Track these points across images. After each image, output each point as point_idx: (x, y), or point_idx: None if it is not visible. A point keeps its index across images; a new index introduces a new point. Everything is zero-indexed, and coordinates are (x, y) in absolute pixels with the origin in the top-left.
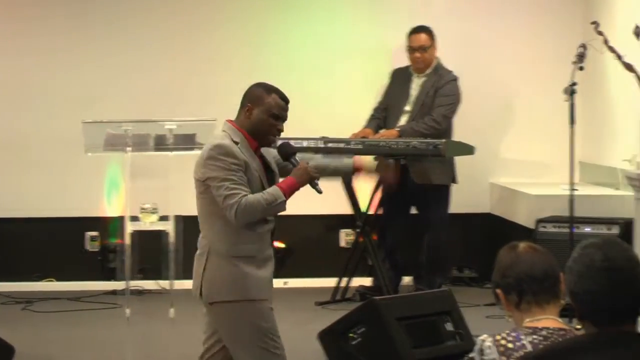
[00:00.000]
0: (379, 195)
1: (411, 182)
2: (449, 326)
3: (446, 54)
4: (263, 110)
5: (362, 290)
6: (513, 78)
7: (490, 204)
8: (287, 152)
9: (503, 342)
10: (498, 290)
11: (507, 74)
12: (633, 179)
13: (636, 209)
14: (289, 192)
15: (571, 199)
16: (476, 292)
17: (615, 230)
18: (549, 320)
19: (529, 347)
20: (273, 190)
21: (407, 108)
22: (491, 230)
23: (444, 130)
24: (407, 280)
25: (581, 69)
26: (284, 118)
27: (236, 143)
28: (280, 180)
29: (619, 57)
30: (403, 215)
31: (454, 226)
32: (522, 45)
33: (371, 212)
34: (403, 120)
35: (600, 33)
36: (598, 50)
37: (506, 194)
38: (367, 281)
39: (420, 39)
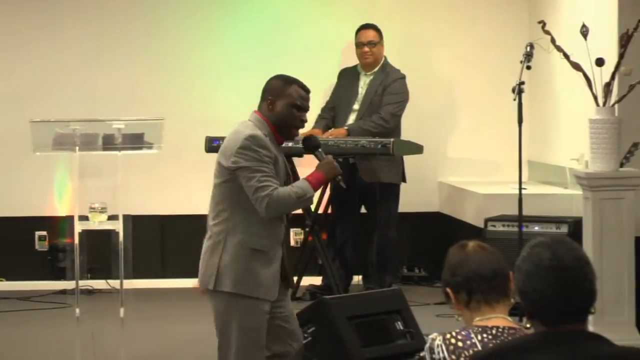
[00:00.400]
0: (328, 194)
1: (360, 181)
2: (399, 325)
3: (393, 54)
4: (286, 102)
5: (312, 290)
6: (461, 77)
7: (439, 202)
8: (313, 145)
9: (453, 340)
10: (448, 289)
11: (455, 73)
12: (581, 177)
13: (584, 207)
14: (317, 185)
15: (520, 198)
16: (426, 291)
17: (564, 229)
18: (498, 319)
19: (479, 346)
20: (302, 184)
21: (356, 107)
22: (440, 229)
23: (393, 128)
24: (357, 279)
25: (529, 68)
26: (306, 108)
27: (265, 135)
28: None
29: (566, 56)
30: (352, 214)
31: (403, 225)
32: (470, 45)
33: (320, 211)
34: (351, 119)
35: (547, 32)
36: (545, 50)
37: (455, 193)
38: (317, 280)
39: (369, 35)
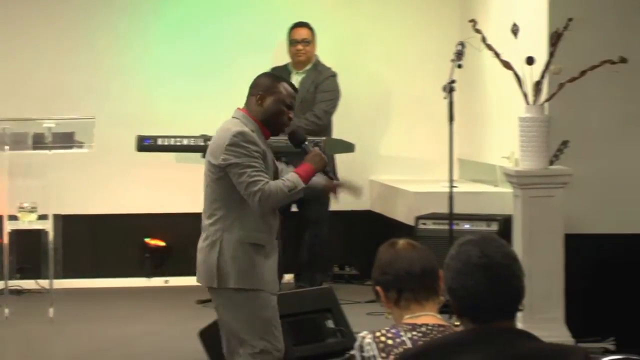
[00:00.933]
0: None
1: None
2: (330, 323)
3: (325, 52)
4: (275, 99)
5: None
6: (393, 75)
7: (370, 201)
8: (299, 139)
9: (383, 338)
10: (378, 288)
11: (386, 71)
12: (511, 176)
13: (514, 205)
14: (306, 178)
15: (450, 196)
16: (357, 289)
17: (494, 226)
18: (428, 317)
19: (409, 344)
20: (292, 177)
21: None
22: (371, 228)
23: (325, 126)
24: (288, 278)
25: (460, 66)
26: (293, 106)
27: (252, 131)
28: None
29: (497, 54)
30: (283, 213)
31: (334, 223)
32: (401, 43)
33: None
34: None
35: (478, 31)
36: (476, 48)
37: (386, 191)
38: None
39: (303, 33)
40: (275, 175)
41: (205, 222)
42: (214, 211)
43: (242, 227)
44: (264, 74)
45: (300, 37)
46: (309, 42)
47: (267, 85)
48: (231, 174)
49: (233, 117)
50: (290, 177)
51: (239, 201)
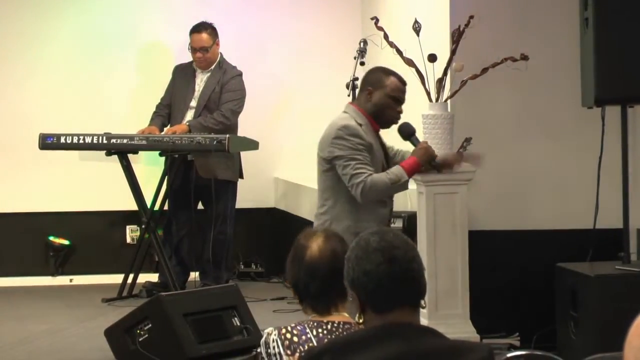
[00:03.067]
0: (164, 190)
1: (197, 177)
2: (235, 321)
3: (228, 50)
4: (383, 94)
5: (149, 287)
6: (296, 73)
7: (275, 198)
8: (408, 132)
9: (288, 335)
10: (291, 284)
11: (290, 69)
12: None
13: (419, 202)
14: (411, 171)
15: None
16: (263, 287)
17: (398, 223)
18: (334, 314)
19: (314, 341)
20: (396, 170)
21: (192, 104)
22: (276, 225)
23: (233, 126)
24: (193, 276)
25: (362, 64)
26: (402, 100)
27: (360, 125)
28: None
29: (399, 52)
30: (188, 211)
31: (239, 221)
32: (305, 41)
33: (157, 207)
34: (189, 116)
35: (380, 28)
36: (378, 46)
37: (290, 189)
38: (153, 277)
39: (202, 40)
40: (384, 167)
41: (317, 211)
42: (324, 201)
43: (349, 217)
44: (374, 69)
45: (199, 45)
46: (208, 49)
47: (375, 80)
48: (337, 166)
49: (343, 112)
50: (394, 169)
51: (346, 192)
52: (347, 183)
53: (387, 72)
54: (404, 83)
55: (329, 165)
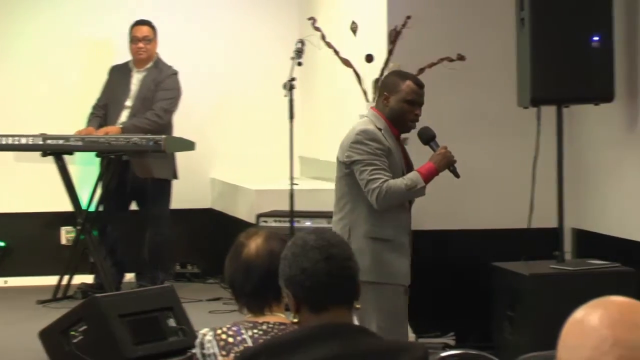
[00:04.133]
0: (99, 191)
1: (132, 178)
2: (171, 322)
3: (164, 52)
4: (399, 98)
5: (84, 288)
6: (233, 73)
7: (211, 199)
8: (427, 136)
9: (224, 336)
10: (229, 284)
11: (227, 69)
12: None
13: None
14: (428, 177)
15: (291, 194)
16: (199, 288)
17: None
18: (270, 315)
19: (249, 342)
20: (413, 176)
21: (128, 103)
22: (213, 226)
23: (166, 125)
24: (129, 276)
25: (300, 64)
26: (420, 103)
27: (379, 129)
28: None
29: (337, 52)
30: (124, 211)
31: (175, 222)
32: (242, 41)
33: (92, 208)
34: (124, 115)
35: (317, 29)
36: (316, 46)
37: (227, 190)
38: (89, 278)
39: (144, 30)
40: (404, 172)
41: (334, 217)
42: (342, 206)
43: (368, 222)
44: (391, 73)
45: (142, 34)
46: (150, 40)
47: (392, 85)
48: (355, 171)
49: (364, 116)
50: (411, 175)
51: (364, 197)
52: (363, 188)
53: (403, 76)
54: (420, 86)
55: (347, 170)
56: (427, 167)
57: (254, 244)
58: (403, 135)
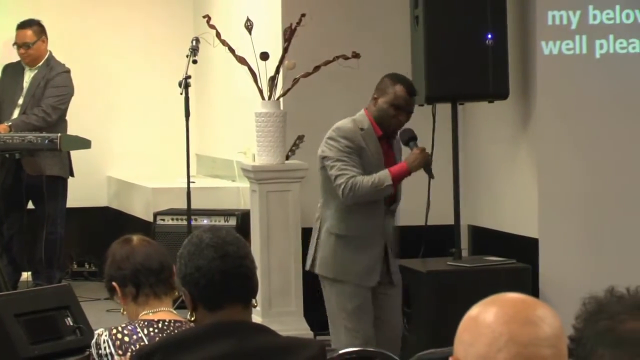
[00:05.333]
0: None
1: (27, 176)
2: (69, 321)
3: (57, 48)
4: (386, 101)
5: None
6: (129, 71)
7: (107, 197)
8: (407, 137)
9: (119, 335)
10: (114, 283)
11: (122, 66)
12: (248, 171)
13: (252, 200)
14: (398, 176)
15: (188, 191)
16: (96, 286)
17: (232, 221)
18: (164, 313)
19: (145, 340)
20: (381, 174)
21: (20, 101)
22: (110, 224)
23: (55, 121)
24: (25, 275)
25: (195, 62)
26: (406, 110)
27: (361, 129)
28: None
29: (232, 50)
30: (19, 210)
31: (71, 220)
32: (137, 38)
33: None
34: (16, 113)
35: (212, 27)
36: (211, 44)
37: (123, 188)
38: None
39: (25, 36)
40: (379, 170)
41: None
42: (320, 199)
43: (333, 217)
44: (386, 76)
45: (22, 40)
46: (30, 45)
47: (382, 87)
48: (326, 166)
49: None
50: (380, 173)
51: (333, 193)
52: (332, 183)
53: (396, 80)
54: (411, 93)
55: (321, 164)
56: (399, 166)
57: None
58: None
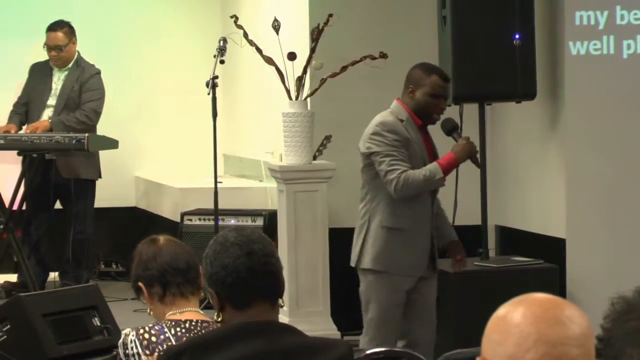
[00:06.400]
0: (22, 190)
1: (56, 177)
2: (96, 321)
3: (87, 49)
4: (424, 92)
5: (8, 287)
6: (157, 71)
7: (135, 197)
8: (449, 127)
9: (146, 335)
10: (140, 284)
11: (148, 67)
12: (275, 171)
13: (279, 200)
14: (447, 167)
15: (215, 192)
16: (123, 286)
17: (259, 221)
18: (191, 313)
19: (173, 340)
20: (432, 167)
21: (51, 102)
22: (137, 225)
23: (95, 125)
24: (53, 276)
25: (222, 62)
26: (445, 96)
27: (401, 121)
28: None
29: (259, 50)
30: (47, 211)
31: (99, 221)
32: (164, 39)
33: (15, 207)
34: (46, 114)
35: (239, 27)
36: (238, 44)
37: (151, 188)
38: (12, 277)
39: (57, 38)
40: (426, 163)
41: (359, 205)
42: (364, 195)
43: (385, 211)
44: (417, 66)
45: (53, 43)
46: (62, 47)
47: (418, 78)
48: (374, 162)
49: (390, 108)
50: (430, 166)
51: (384, 186)
52: (382, 179)
53: (429, 70)
54: (445, 79)
55: (367, 161)
56: (447, 157)
57: (163, 241)
58: None
